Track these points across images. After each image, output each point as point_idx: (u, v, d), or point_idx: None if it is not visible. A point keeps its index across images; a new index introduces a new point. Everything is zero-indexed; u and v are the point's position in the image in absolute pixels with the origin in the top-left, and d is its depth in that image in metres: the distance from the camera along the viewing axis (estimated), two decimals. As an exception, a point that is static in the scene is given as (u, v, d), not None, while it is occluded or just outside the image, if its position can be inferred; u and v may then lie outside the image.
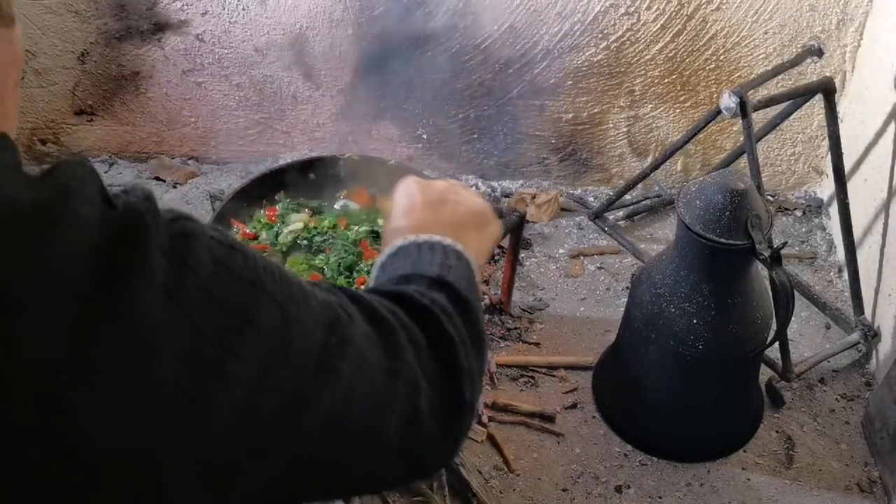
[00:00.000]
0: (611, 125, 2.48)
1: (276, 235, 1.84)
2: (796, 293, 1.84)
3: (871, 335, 2.11)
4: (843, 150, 2.10)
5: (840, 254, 2.36)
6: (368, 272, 1.77)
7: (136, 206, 0.60)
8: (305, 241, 1.88)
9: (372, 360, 0.72)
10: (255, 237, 1.91)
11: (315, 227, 1.89)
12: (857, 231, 2.18)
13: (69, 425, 0.54)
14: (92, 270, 0.56)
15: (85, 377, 0.54)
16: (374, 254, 1.82)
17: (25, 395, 0.53)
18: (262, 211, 1.87)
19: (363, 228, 1.89)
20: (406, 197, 1.02)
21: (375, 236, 1.87)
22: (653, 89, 2.40)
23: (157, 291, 0.57)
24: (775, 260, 1.64)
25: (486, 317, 2.16)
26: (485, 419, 1.93)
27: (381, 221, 1.79)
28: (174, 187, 2.51)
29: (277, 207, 1.89)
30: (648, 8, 2.25)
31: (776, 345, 1.89)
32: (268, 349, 0.63)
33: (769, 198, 2.55)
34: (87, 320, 0.55)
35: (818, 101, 2.11)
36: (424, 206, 1.00)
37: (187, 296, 0.59)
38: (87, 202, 0.58)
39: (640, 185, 2.46)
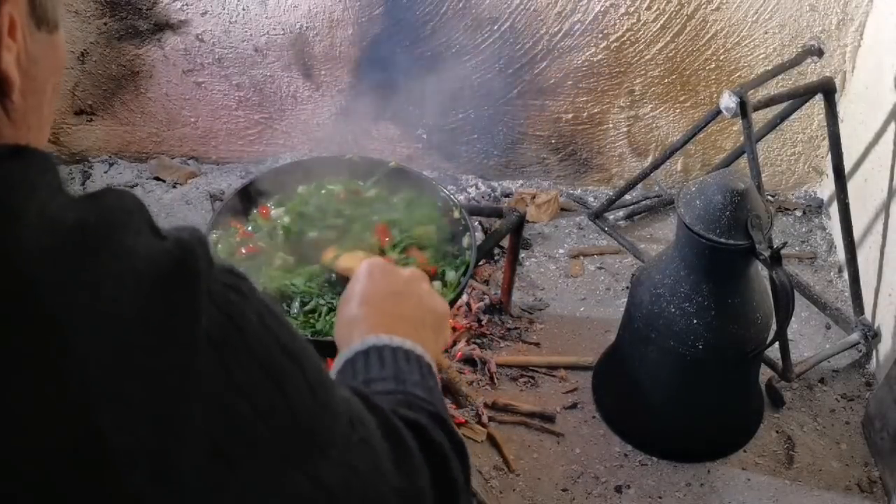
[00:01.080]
0: (611, 125, 2.48)
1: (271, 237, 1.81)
2: (796, 293, 1.84)
3: (871, 335, 2.11)
4: (843, 150, 2.10)
5: (840, 254, 2.36)
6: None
7: (188, 244, 0.58)
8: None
9: (384, 472, 0.70)
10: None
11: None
12: (857, 231, 2.18)
13: (104, 458, 0.52)
14: (135, 300, 0.54)
15: (121, 410, 0.53)
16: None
17: (66, 421, 0.51)
18: (255, 211, 1.86)
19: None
20: (367, 280, 0.97)
21: None
22: (653, 89, 2.40)
23: (199, 336, 0.56)
24: (775, 260, 1.64)
25: (486, 317, 2.16)
26: (485, 419, 1.93)
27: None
28: (174, 187, 2.51)
29: (269, 206, 1.88)
30: (648, 8, 2.25)
31: (776, 345, 1.89)
32: (296, 425, 0.62)
33: (769, 198, 2.55)
34: (127, 350, 0.53)
35: (818, 101, 2.11)
36: (387, 296, 0.95)
37: (229, 348, 0.58)
38: (133, 231, 0.57)
39: (640, 185, 2.46)
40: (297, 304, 1.68)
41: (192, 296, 0.57)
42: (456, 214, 1.86)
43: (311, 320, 1.66)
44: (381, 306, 0.94)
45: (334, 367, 0.89)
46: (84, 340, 0.52)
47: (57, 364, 0.51)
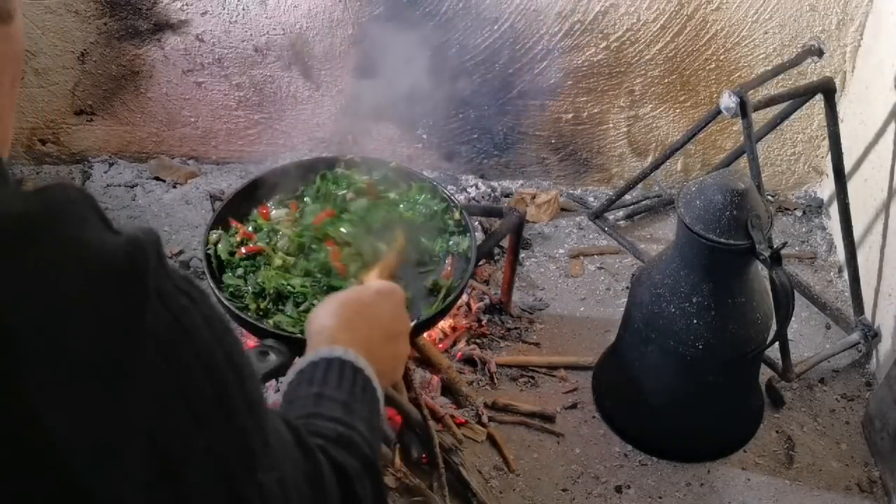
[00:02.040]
0: (611, 125, 2.48)
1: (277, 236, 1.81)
2: (796, 293, 1.84)
3: (871, 335, 2.11)
4: (843, 150, 2.10)
5: (840, 254, 2.36)
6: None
7: (139, 242, 0.59)
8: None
9: None
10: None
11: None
12: (857, 231, 2.18)
13: (45, 445, 0.53)
14: (79, 288, 0.55)
15: (60, 396, 0.53)
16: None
17: (3, 407, 0.52)
18: (255, 210, 1.86)
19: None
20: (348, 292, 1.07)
21: None
22: (653, 89, 2.40)
23: (144, 330, 0.57)
24: (775, 260, 1.64)
25: (486, 317, 2.16)
26: (485, 419, 1.93)
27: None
28: (174, 187, 2.51)
29: (269, 206, 1.88)
30: (648, 8, 2.25)
31: (776, 345, 1.89)
32: (230, 439, 0.63)
33: (769, 198, 2.55)
34: (67, 336, 0.54)
35: (818, 101, 2.11)
36: (357, 309, 1.02)
37: (175, 348, 0.59)
38: (78, 222, 0.58)
39: (640, 185, 2.46)
40: (290, 304, 1.68)
41: (138, 290, 0.57)
42: (456, 214, 1.86)
43: (304, 319, 1.66)
44: (351, 320, 1.00)
45: (295, 367, 0.92)
46: (23, 325, 0.52)
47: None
